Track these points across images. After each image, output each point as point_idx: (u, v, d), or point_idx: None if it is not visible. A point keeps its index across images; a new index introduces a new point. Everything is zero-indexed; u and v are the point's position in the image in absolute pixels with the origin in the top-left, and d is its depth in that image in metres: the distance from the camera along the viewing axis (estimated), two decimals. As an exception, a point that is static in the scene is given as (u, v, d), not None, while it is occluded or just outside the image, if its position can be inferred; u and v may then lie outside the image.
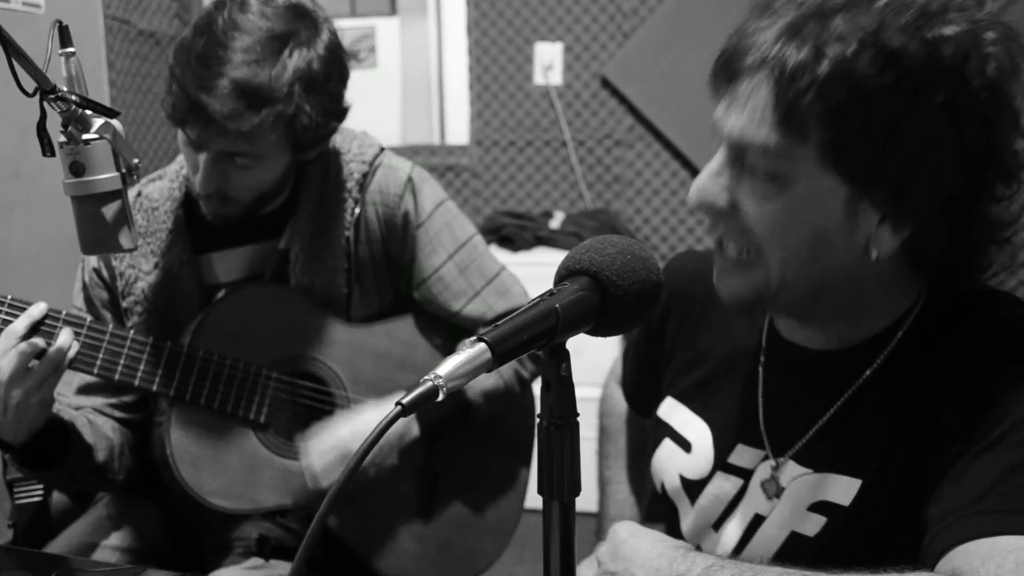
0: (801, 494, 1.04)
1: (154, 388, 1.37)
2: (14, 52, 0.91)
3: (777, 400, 1.10)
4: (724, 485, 1.13)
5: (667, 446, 1.21)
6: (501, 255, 2.37)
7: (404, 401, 0.62)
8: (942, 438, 0.92)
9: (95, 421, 1.40)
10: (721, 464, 1.13)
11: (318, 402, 1.51)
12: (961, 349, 0.95)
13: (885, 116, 0.85)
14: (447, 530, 1.60)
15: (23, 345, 1.19)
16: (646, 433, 1.34)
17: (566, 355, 0.75)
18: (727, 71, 0.94)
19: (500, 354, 0.67)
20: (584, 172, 3.57)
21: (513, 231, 3.30)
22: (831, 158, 0.89)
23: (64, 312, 1.29)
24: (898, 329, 1.01)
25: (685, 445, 1.18)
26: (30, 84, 0.95)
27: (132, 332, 1.36)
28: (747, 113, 0.91)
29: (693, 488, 1.16)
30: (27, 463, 1.29)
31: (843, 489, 1.00)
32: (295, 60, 1.32)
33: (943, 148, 0.87)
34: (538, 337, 0.70)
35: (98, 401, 1.48)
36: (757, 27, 0.93)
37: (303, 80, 1.33)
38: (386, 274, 1.56)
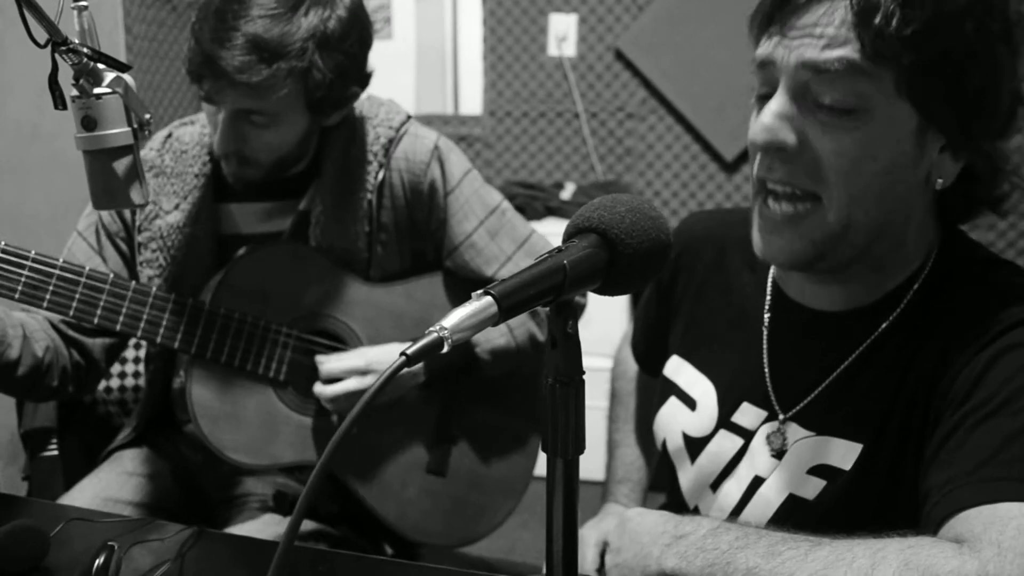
0: (802, 456, 1.03)
1: (176, 345, 1.37)
2: (26, 3, 0.90)
3: (782, 361, 1.09)
4: (725, 444, 1.12)
5: (672, 403, 1.21)
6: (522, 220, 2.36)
7: (409, 352, 0.60)
8: (942, 406, 0.91)
9: (31, 336, 1.33)
10: (724, 422, 1.13)
11: None
12: (961, 316, 0.94)
13: (961, 41, 0.86)
14: (460, 489, 1.60)
15: None
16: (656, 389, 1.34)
17: (573, 312, 0.73)
18: (785, 8, 0.92)
19: (506, 308, 0.66)
20: (596, 144, 3.54)
21: (524, 201, 3.29)
22: (907, 84, 0.88)
23: (88, 268, 1.29)
24: (904, 293, 1.00)
25: (690, 403, 1.18)
26: (42, 37, 0.94)
27: (154, 290, 1.36)
28: (824, 40, 0.88)
29: (694, 446, 1.16)
30: None
31: (844, 453, 0.99)
32: (311, 18, 1.32)
33: (1003, 76, 0.90)
34: (545, 292, 0.69)
35: (59, 316, 1.43)
36: None
37: (317, 37, 1.32)
38: (408, 239, 1.56)
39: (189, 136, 1.52)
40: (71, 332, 1.45)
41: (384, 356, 1.45)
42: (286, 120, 1.38)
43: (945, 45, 0.86)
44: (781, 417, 1.07)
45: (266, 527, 1.41)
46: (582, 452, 0.75)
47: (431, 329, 0.62)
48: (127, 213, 1.50)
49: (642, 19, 3.40)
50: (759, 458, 1.08)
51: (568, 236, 0.75)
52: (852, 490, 0.98)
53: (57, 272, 1.27)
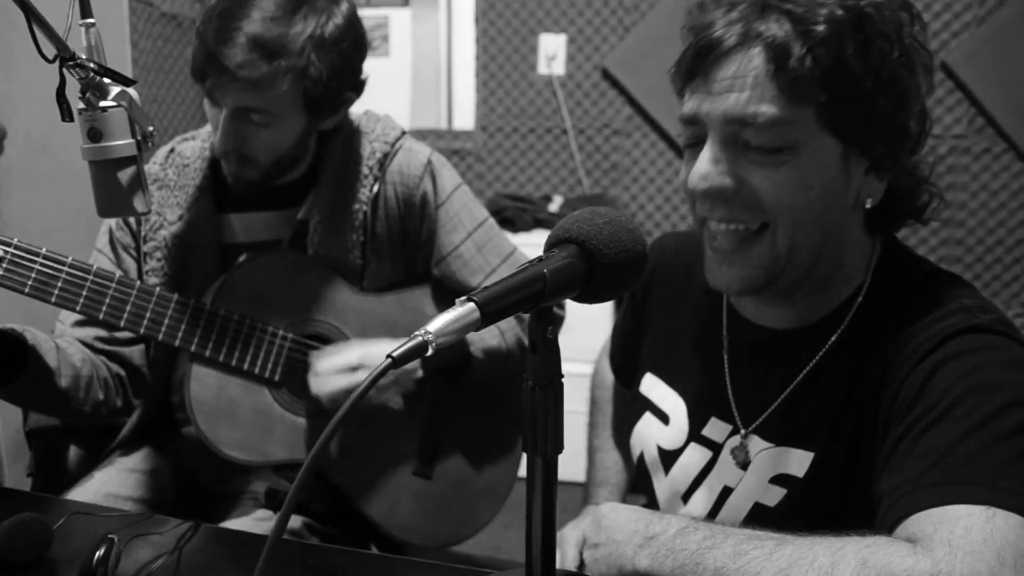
0: (764, 467, 1.05)
1: (176, 343, 1.38)
2: (35, 19, 0.91)
3: (742, 377, 1.11)
4: (695, 456, 1.14)
5: (646, 418, 1.22)
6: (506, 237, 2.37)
7: (395, 354, 0.62)
8: (889, 417, 0.93)
9: (65, 349, 1.36)
10: (695, 436, 1.15)
11: None
12: (901, 329, 0.96)
13: (867, 73, 0.90)
14: (445, 490, 1.61)
15: None
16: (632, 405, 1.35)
17: (552, 319, 0.75)
18: (704, 62, 0.94)
19: (488, 314, 0.67)
20: (583, 159, 3.56)
21: (514, 213, 3.29)
22: (826, 118, 0.91)
23: (95, 267, 1.30)
24: (849, 308, 1.02)
25: (663, 418, 1.19)
26: (51, 52, 0.95)
27: (158, 288, 1.36)
28: (746, 91, 0.91)
29: (668, 458, 1.17)
30: None
31: (798, 462, 1.01)
32: (309, 21, 1.35)
33: (909, 97, 0.94)
34: (526, 300, 0.70)
35: (90, 333, 1.46)
36: (717, 16, 0.94)
37: (315, 39, 1.35)
38: (400, 249, 1.57)
39: (191, 151, 1.54)
40: (105, 346, 1.46)
41: (377, 352, 1.45)
42: (284, 119, 1.39)
43: (853, 78, 0.90)
44: (743, 431, 1.09)
45: (258, 522, 1.41)
46: (560, 451, 0.77)
47: (416, 333, 0.63)
48: (135, 225, 1.51)
49: (628, 40, 3.42)
50: (726, 469, 1.10)
51: (549, 246, 0.77)
52: (807, 497, 1.00)
53: (66, 269, 1.27)
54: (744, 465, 1.07)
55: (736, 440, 1.09)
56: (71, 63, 0.96)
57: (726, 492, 1.09)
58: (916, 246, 3.25)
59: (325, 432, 0.60)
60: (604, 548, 0.98)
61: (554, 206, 3.41)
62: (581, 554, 1.23)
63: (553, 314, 0.75)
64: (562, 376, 0.76)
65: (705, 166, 0.95)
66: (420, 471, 1.58)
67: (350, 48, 1.41)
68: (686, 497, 1.15)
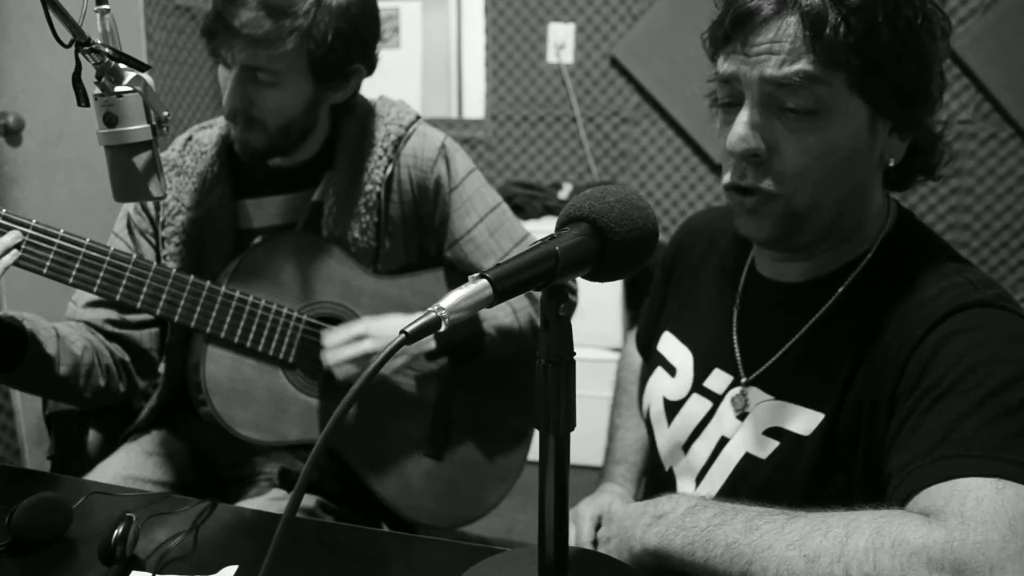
0: (761, 419, 1.06)
1: (192, 324, 1.38)
2: (51, 4, 0.90)
3: (749, 329, 1.13)
4: (696, 407, 1.16)
5: (657, 372, 1.25)
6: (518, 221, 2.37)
7: (408, 329, 0.61)
8: (895, 393, 0.93)
9: (67, 336, 1.35)
10: (698, 386, 1.16)
11: None
12: (909, 296, 0.97)
13: (896, 39, 0.93)
14: (456, 472, 1.61)
15: None
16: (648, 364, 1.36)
17: (565, 296, 0.74)
18: (742, 29, 0.97)
19: (500, 291, 0.66)
20: (592, 147, 3.54)
21: (524, 200, 3.29)
22: (857, 83, 0.94)
23: (112, 248, 1.30)
24: (859, 263, 1.04)
25: (671, 370, 1.22)
26: (67, 38, 0.94)
27: (174, 270, 1.36)
28: (783, 55, 0.94)
29: (671, 408, 1.19)
30: None
31: (804, 420, 1.01)
32: None
33: (931, 61, 0.97)
34: (538, 277, 0.70)
35: (101, 315, 1.46)
36: None
37: (323, 3, 1.37)
38: (414, 232, 1.57)
39: (208, 138, 1.55)
40: (115, 329, 1.46)
41: (384, 326, 1.45)
42: (290, 80, 1.40)
43: (884, 45, 0.92)
44: (744, 380, 1.10)
45: (273, 502, 1.42)
46: (572, 429, 0.76)
47: (430, 309, 0.63)
48: (153, 211, 1.52)
49: (636, 28, 3.40)
50: (725, 420, 1.11)
51: (560, 225, 0.76)
52: (803, 454, 1.00)
53: (83, 250, 1.27)
54: (742, 416, 1.09)
55: (737, 390, 1.10)
56: (87, 48, 0.95)
57: (723, 442, 1.10)
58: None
59: (338, 409, 0.60)
60: (615, 538, 0.98)
61: (563, 193, 3.40)
62: (596, 529, 1.24)
63: (565, 292, 0.74)
64: (574, 354, 0.75)
65: (743, 129, 0.98)
66: (431, 452, 1.58)
67: (359, 17, 1.42)
68: (687, 447, 1.16)
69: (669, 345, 1.25)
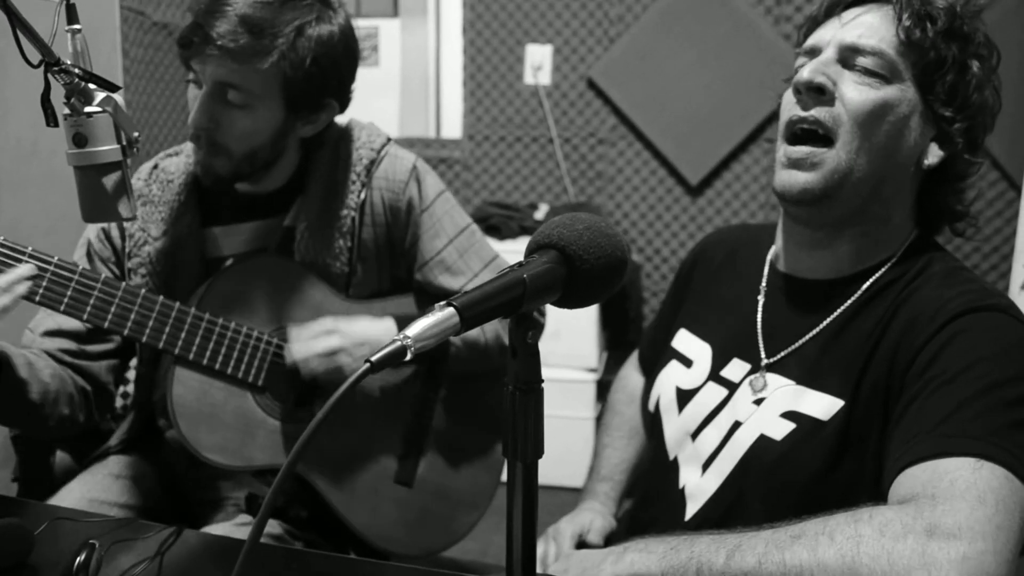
0: (778, 402, 1.10)
1: (160, 345, 1.35)
2: (20, 24, 0.89)
3: (772, 318, 1.18)
4: (711, 394, 1.19)
5: (671, 365, 1.28)
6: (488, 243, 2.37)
7: (373, 359, 0.61)
8: (904, 383, 0.99)
9: (35, 363, 1.33)
10: (715, 375, 1.20)
11: None
12: (927, 297, 1.03)
13: (966, 61, 1.07)
14: (426, 500, 1.58)
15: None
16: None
17: (533, 324, 0.74)
18: (835, 7, 1.12)
19: (467, 319, 0.66)
20: (569, 167, 3.56)
21: (500, 221, 3.29)
22: (920, 76, 1.07)
23: (81, 267, 1.27)
24: (882, 266, 1.11)
25: (687, 362, 1.26)
26: (36, 58, 0.93)
27: (143, 291, 1.34)
28: (869, 29, 1.08)
29: (684, 397, 1.23)
30: None
31: (824, 405, 1.05)
32: (302, 13, 1.36)
33: (987, 94, 1.10)
34: (505, 305, 0.69)
35: (59, 344, 1.43)
36: None
37: (304, 31, 1.35)
38: (387, 256, 1.55)
39: (175, 166, 1.51)
40: (73, 359, 1.43)
41: (351, 324, 1.44)
42: (261, 104, 1.37)
43: (954, 60, 1.06)
44: (764, 363, 1.14)
45: (238, 527, 1.39)
46: (540, 456, 0.75)
47: (395, 337, 0.62)
48: (118, 240, 1.48)
49: (613, 51, 3.43)
50: (740, 406, 1.14)
51: (529, 252, 0.76)
52: (819, 438, 1.04)
53: (52, 268, 1.24)
54: (759, 401, 1.12)
55: (756, 375, 1.15)
56: (56, 68, 0.94)
57: (735, 427, 1.13)
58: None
59: (304, 434, 0.59)
60: (574, 569, 0.99)
61: (540, 214, 3.41)
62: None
63: (533, 319, 0.74)
64: (542, 381, 0.75)
65: (816, 65, 1.08)
66: (401, 479, 1.56)
67: (339, 50, 1.40)
68: (695, 435, 1.18)
69: (685, 340, 1.29)
